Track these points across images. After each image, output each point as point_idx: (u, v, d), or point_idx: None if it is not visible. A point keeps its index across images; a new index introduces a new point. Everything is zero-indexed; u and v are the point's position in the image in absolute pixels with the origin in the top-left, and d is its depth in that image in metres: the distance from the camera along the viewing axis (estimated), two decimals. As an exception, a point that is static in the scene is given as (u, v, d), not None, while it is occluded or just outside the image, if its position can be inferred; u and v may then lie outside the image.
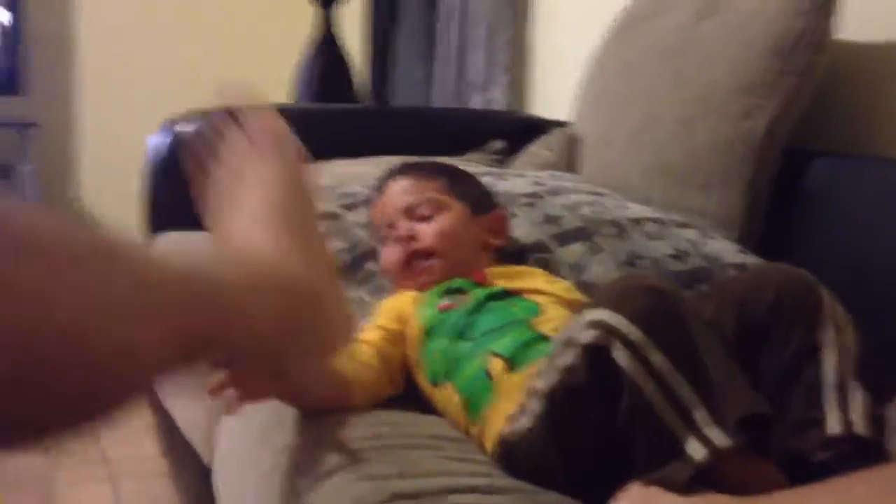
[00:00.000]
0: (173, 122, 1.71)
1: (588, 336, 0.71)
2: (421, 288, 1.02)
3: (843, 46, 1.30)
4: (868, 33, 1.30)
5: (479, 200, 1.12)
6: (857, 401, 0.75)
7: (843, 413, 0.74)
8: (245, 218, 0.65)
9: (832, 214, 1.22)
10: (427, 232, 1.04)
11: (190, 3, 3.12)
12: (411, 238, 1.04)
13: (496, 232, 1.10)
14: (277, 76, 2.73)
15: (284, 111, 2.12)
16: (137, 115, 2.55)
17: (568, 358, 0.73)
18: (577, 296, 1.03)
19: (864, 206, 1.18)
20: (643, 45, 1.48)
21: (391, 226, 1.06)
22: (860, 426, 0.74)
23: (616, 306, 0.71)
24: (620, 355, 0.69)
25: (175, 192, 1.69)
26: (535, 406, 0.76)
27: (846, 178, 1.22)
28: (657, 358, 0.69)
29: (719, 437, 0.67)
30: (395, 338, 0.95)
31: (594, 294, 0.81)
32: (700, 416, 0.68)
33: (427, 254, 1.03)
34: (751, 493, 0.63)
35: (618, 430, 0.70)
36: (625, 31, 1.55)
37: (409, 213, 1.06)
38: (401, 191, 1.08)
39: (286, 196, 0.68)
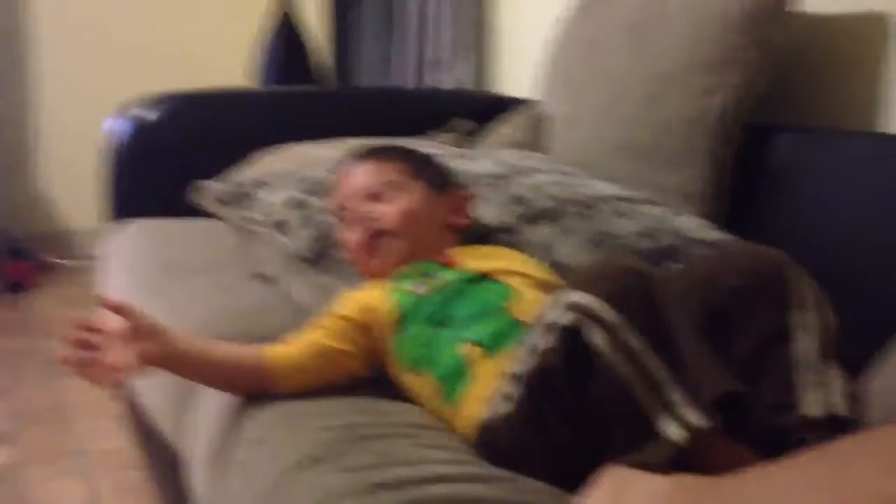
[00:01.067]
0: (129, 106, 1.69)
1: (564, 319, 0.71)
2: (383, 270, 1.01)
3: (804, 19, 1.31)
4: (829, 5, 1.30)
5: (440, 181, 1.11)
6: (836, 381, 0.76)
7: (822, 394, 0.75)
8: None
9: (797, 188, 1.23)
10: (387, 212, 1.03)
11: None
12: (371, 219, 1.03)
13: (458, 211, 1.10)
14: (235, 58, 2.70)
15: (246, 96, 2.10)
16: (94, 101, 2.50)
17: (545, 341, 0.73)
18: (549, 275, 1.03)
19: (828, 179, 1.19)
20: (606, 22, 1.47)
21: (350, 208, 1.06)
22: (840, 406, 0.74)
23: (591, 288, 0.72)
24: (596, 337, 0.70)
25: (135, 179, 1.68)
26: (514, 391, 0.76)
27: (810, 152, 1.24)
28: (632, 339, 0.70)
29: (696, 417, 0.68)
30: (356, 327, 0.94)
31: (570, 276, 0.81)
32: (676, 396, 0.69)
33: (388, 234, 1.03)
34: (724, 473, 0.64)
35: (595, 412, 0.71)
36: (588, 8, 1.55)
37: (370, 195, 1.05)
38: (362, 173, 1.08)
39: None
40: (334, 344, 0.92)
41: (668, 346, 0.70)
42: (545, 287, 0.97)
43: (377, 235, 1.03)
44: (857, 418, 0.75)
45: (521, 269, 0.99)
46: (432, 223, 1.06)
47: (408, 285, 0.96)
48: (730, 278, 0.79)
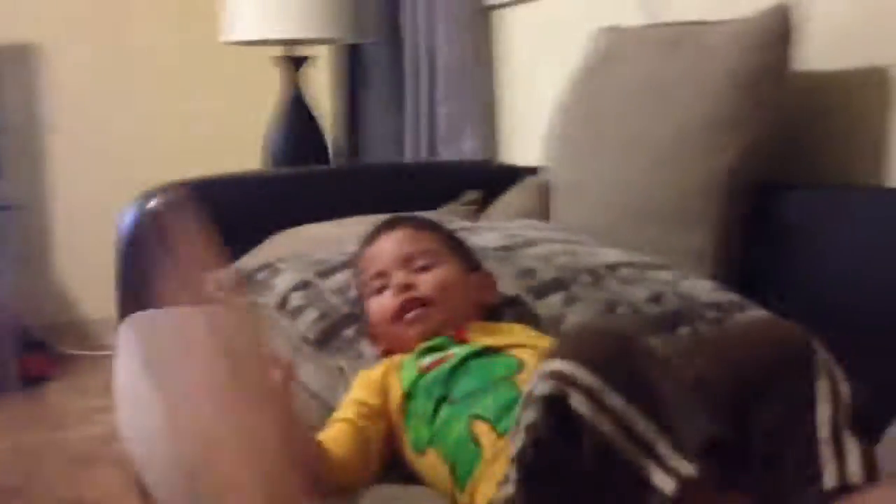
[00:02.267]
0: (143, 197, 1.70)
1: (545, 388, 0.70)
2: (410, 339, 1.00)
3: (808, 77, 1.31)
4: (831, 62, 1.30)
5: (470, 258, 1.11)
6: (853, 451, 0.74)
7: (839, 465, 0.74)
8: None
9: (808, 246, 1.21)
10: (427, 281, 1.03)
11: (156, 79, 3.13)
12: (408, 287, 1.02)
13: (486, 290, 1.09)
14: (248, 142, 2.74)
15: (256, 179, 2.12)
16: (109, 190, 2.54)
17: (530, 415, 0.71)
18: None
19: (838, 235, 1.18)
20: (609, 88, 1.48)
21: (384, 275, 1.05)
22: (856, 476, 0.73)
23: (570, 355, 0.71)
24: (577, 402, 0.69)
25: (149, 269, 1.69)
26: (512, 472, 0.74)
27: (820, 209, 1.22)
28: (613, 399, 0.69)
29: (684, 466, 0.68)
30: (375, 413, 0.93)
31: (550, 345, 0.80)
32: (662, 448, 0.68)
33: (424, 303, 1.02)
34: None
35: (590, 479, 0.69)
36: (590, 76, 1.55)
37: (407, 262, 1.04)
38: (397, 241, 1.07)
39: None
40: (363, 427, 0.91)
41: (649, 401, 0.70)
42: None
43: (412, 304, 1.02)
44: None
45: (532, 343, 0.97)
46: (464, 298, 1.05)
47: (417, 362, 0.95)
48: (760, 350, 0.79)
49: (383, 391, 0.94)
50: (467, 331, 1.00)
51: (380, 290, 1.05)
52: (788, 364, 0.78)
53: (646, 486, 0.68)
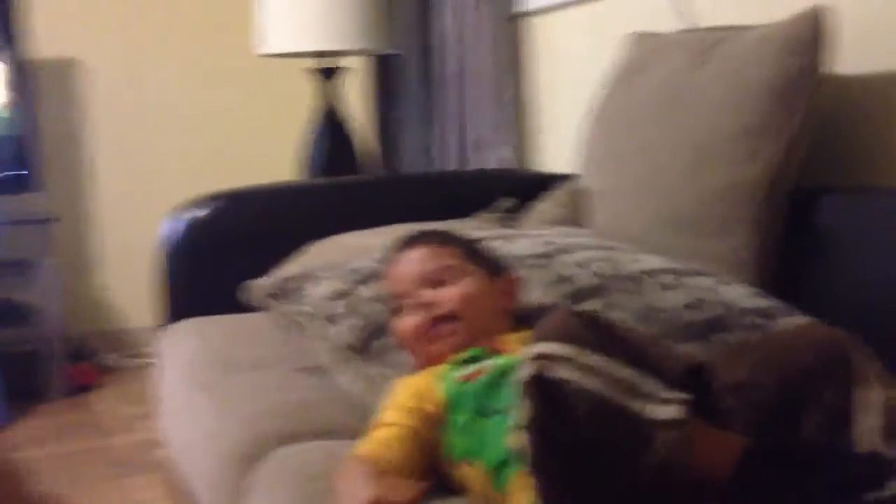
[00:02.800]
0: (184, 207, 1.73)
1: (530, 369, 0.73)
2: (442, 354, 1.01)
3: (842, 81, 1.30)
4: (864, 66, 1.30)
5: (492, 264, 1.12)
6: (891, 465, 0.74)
7: (877, 482, 0.73)
8: None
9: (846, 250, 1.20)
10: (450, 296, 1.03)
11: (192, 92, 3.17)
12: (433, 304, 1.03)
13: (509, 295, 1.10)
14: (283, 153, 2.77)
15: (292, 189, 2.14)
16: (151, 202, 2.59)
17: (524, 410, 0.73)
18: None
19: (876, 238, 1.17)
20: (641, 95, 1.48)
21: (408, 294, 1.06)
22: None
23: (545, 337, 0.76)
24: (563, 372, 0.72)
25: (189, 278, 1.72)
26: (534, 481, 0.75)
27: (856, 212, 1.21)
28: (593, 359, 0.73)
29: (675, 395, 0.72)
30: (424, 417, 0.93)
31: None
32: (650, 386, 0.73)
33: (450, 318, 1.02)
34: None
35: (595, 444, 0.72)
36: (622, 83, 1.56)
37: (429, 280, 1.05)
38: (418, 259, 1.07)
39: None
40: (416, 431, 0.91)
41: (627, 353, 0.75)
42: None
43: (439, 320, 1.03)
44: None
45: None
46: (489, 307, 1.06)
47: (455, 373, 0.95)
48: (804, 355, 0.79)
49: (422, 398, 0.95)
50: (501, 341, 1.00)
51: (404, 310, 1.06)
52: (834, 369, 0.77)
53: (648, 427, 0.71)
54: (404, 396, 0.95)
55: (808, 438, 0.77)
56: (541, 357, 0.74)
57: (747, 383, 0.82)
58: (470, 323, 1.02)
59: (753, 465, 0.74)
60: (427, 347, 1.03)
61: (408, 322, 1.05)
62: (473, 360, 0.97)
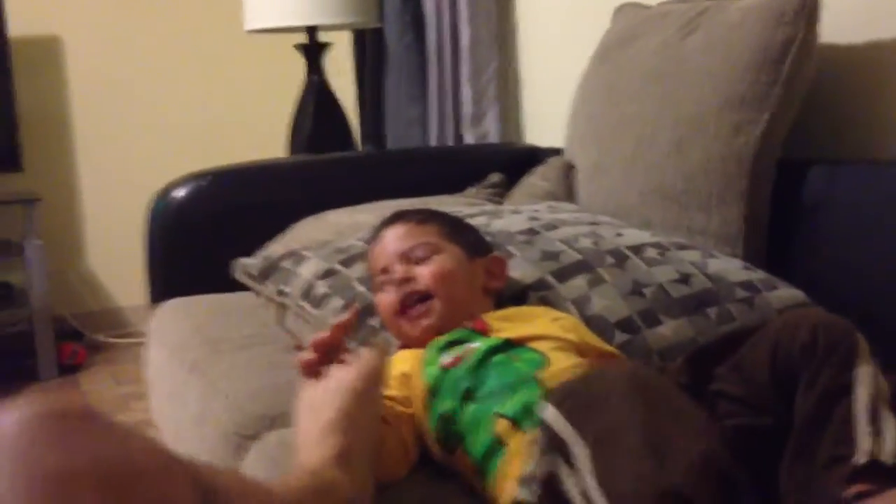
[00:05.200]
0: (169, 186, 1.72)
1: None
2: (418, 334, 1.00)
3: (827, 50, 1.29)
4: (851, 35, 1.29)
5: (475, 244, 1.11)
6: (890, 430, 0.74)
7: (874, 443, 0.73)
8: (318, 423, 0.81)
9: (832, 221, 1.20)
10: (424, 273, 1.03)
11: (178, 69, 3.14)
12: (407, 280, 1.03)
13: (495, 274, 1.09)
14: (273, 130, 2.75)
15: (280, 167, 2.12)
16: (138, 181, 2.57)
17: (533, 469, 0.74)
18: (584, 333, 1.01)
19: (862, 209, 1.17)
20: (628, 68, 1.47)
21: (386, 271, 1.06)
22: (890, 455, 0.72)
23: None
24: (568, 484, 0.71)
25: (176, 257, 1.71)
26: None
27: (843, 184, 1.21)
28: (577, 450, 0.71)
29: None
30: (404, 403, 0.93)
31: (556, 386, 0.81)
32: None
33: (424, 296, 1.02)
34: None
35: None
36: (608, 56, 1.54)
37: (405, 257, 1.05)
38: (396, 237, 1.08)
39: (357, 404, 0.81)
40: (395, 423, 0.90)
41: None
42: (580, 349, 0.95)
43: (412, 297, 1.02)
44: None
45: (555, 332, 0.97)
46: (469, 286, 1.05)
47: (438, 356, 0.95)
48: (801, 333, 0.79)
49: (406, 384, 0.94)
50: (486, 320, 1.00)
51: (384, 286, 1.06)
52: (829, 351, 0.77)
53: None
54: (390, 383, 0.95)
55: (804, 416, 0.77)
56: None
57: (743, 361, 0.82)
58: (445, 301, 1.02)
59: None
60: (402, 326, 1.03)
61: (384, 299, 1.05)
62: (458, 341, 0.96)
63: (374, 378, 0.84)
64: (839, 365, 0.77)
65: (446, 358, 0.94)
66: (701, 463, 0.68)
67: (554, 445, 0.72)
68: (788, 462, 0.77)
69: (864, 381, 0.76)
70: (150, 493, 0.54)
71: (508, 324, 0.98)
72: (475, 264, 1.08)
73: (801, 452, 0.76)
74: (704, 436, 0.72)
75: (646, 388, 0.75)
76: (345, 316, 0.89)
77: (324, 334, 0.87)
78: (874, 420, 0.74)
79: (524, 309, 1.07)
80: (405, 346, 1.04)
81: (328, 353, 0.86)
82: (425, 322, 1.01)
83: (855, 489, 0.71)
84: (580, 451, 0.71)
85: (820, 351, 0.77)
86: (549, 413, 0.74)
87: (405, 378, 0.94)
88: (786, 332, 0.80)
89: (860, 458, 0.73)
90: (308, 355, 0.87)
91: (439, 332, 0.99)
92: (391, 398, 0.92)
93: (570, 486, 0.70)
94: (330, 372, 0.84)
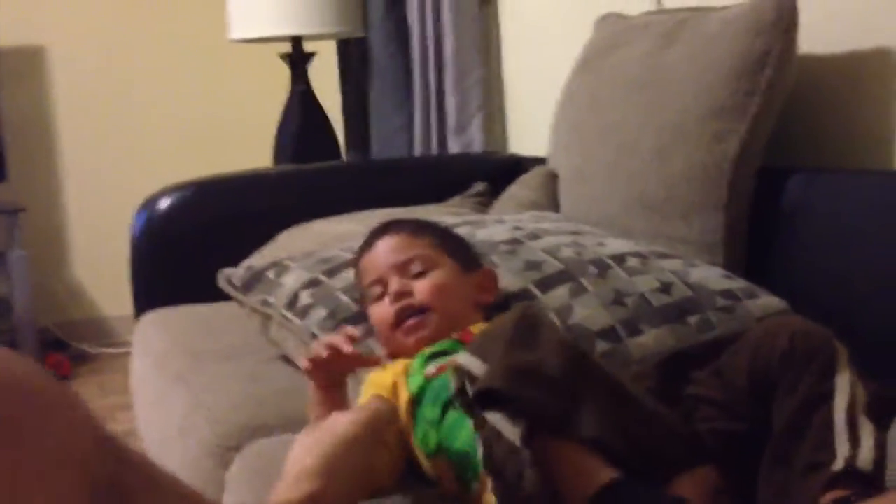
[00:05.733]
0: (153, 197, 1.72)
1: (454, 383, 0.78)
2: (415, 345, 1.00)
3: (805, 61, 1.30)
4: (830, 45, 1.30)
5: (468, 257, 1.12)
6: (867, 439, 0.75)
7: (852, 449, 0.74)
8: (296, 466, 0.80)
9: (811, 229, 1.21)
10: (421, 287, 1.03)
11: (164, 78, 3.14)
12: (404, 294, 1.03)
13: (486, 288, 1.09)
14: (258, 139, 2.75)
15: (264, 177, 2.12)
16: (121, 190, 2.57)
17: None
18: None
19: (841, 218, 1.18)
20: (610, 77, 1.48)
21: (381, 282, 1.05)
22: (867, 462, 0.73)
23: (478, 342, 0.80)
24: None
25: (160, 268, 1.71)
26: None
27: (822, 192, 1.22)
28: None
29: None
30: (393, 412, 0.93)
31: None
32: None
33: (421, 309, 1.02)
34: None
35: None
36: (590, 65, 1.55)
37: (401, 269, 1.05)
38: (390, 248, 1.07)
39: (345, 451, 0.82)
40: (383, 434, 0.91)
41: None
42: None
43: (410, 310, 1.02)
44: (880, 475, 0.73)
45: None
46: (462, 300, 1.05)
47: (420, 367, 0.95)
48: (780, 341, 0.79)
49: (394, 395, 0.95)
50: (472, 333, 1.00)
51: (379, 298, 1.05)
52: (808, 359, 0.78)
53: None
54: (375, 392, 0.95)
55: (784, 422, 0.78)
56: (458, 369, 0.77)
57: (723, 367, 0.83)
58: (441, 315, 1.02)
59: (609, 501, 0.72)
60: (398, 338, 1.03)
61: (379, 312, 1.05)
62: (443, 353, 0.97)
63: (375, 427, 0.85)
64: (818, 373, 0.78)
65: (430, 368, 0.94)
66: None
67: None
68: (767, 468, 0.78)
69: (843, 388, 0.77)
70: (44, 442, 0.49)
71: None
72: (468, 278, 1.08)
73: (779, 458, 0.77)
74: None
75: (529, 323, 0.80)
76: (351, 331, 0.94)
77: (335, 339, 0.93)
78: (852, 427, 0.75)
79: None
80: (393, 355, 1.04)
81: (335, 360, 0.91)
82: (421, 334, 1.01)
83: (832, 495, 0.72)
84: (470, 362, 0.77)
85: (799, 358, 0.78)
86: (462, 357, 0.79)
87: (391, 388, 0.95)
88: (765, 339, 0.81)
89: (838, 464, 0.73)
90: (321, 350, 0.91)
91: (431, 343, 1.00)
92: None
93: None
94: (331, 415, 0.86)
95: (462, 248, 1.13)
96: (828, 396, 0.77)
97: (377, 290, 1.06)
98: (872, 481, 0.73)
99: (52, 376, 0.54)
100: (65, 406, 0.52)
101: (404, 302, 1.02)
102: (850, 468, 0.73)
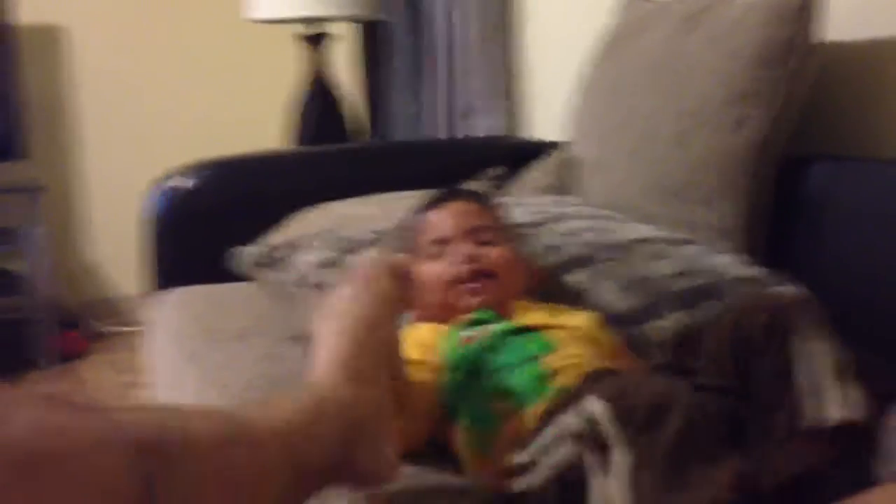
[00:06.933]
0: (170, 176, 1.72)
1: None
2: (474, 305, 1.00)
3: (831, 48, 1.29)
4: (855, 32, 1.28)
5: (521, 245, 1.13)
6: (852, 394, 0.75)
7: (835, 407, 0.74)
8: (329, 353, 0.77)
9: (834, 218, 1.20)
10: (493, 255, 1.04)
11: (180, 58, 3.14)
12: (475, 258, 1.02)
13: (534, 278, 1.10)
14: (271, 120, 2.75)
15: (280, 158, 2.13)
16: (138, 170, 2.57)
17: (559, 456, 0.72)
18: (602, 331, 1.02)
19: (864, 207, 1.17)
20: (631, 62, 1.47)
21: (444, 241, 1.05)
22: (850, 413, 0.74)
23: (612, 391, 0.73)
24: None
25: (176, 247, 1.71)
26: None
27: (845, 181, 1.21)
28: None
29: None
30: (426, 369, 0.93)
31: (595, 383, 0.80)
32: None
33: (487, 275, 1.02)
34: None
35: None
36: (611, 50, 1.54)
37: (473, 234, 1.05)
38: (462, 211, 1.07)
39: (368, 332, 0.78)
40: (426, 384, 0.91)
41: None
42: (596, 343, 0.96)
43: (478, 274, 1.02)
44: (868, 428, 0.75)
45: (573, 323, 0.98)
46: (520, 279, 1.06)
47: (455, 333, 0.95)
48: (760, 316, 0.80)
49: (427, 350, 0.95)
50: (512, 308, 1.00)
51: (437, 256, 1.05)
52: (788, 323, 0.78)
53: None
54: (411, 349, 0.94)
55: (765, 381, 0.78)
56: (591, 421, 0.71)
57: (706, 344, 0.83)
58: (503, 286, 1.02)
59: None
60: (449, 297, 1.02)
61: (435, 269, 1.04)
62: (479, 322, 0.97)
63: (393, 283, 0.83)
64: (798, 337, 0.78)
65: (464, 335, 0.94)
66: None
67: (592, 439, 0.70)
68: (750, 437, 0.78)
69: (824, 350, 0.77)
70: (73, 475, 0.50)
71: (528, 313, 0.99)
72: (524, 263, 1.09)
73: (760, 426, 0.77)
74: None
75: (692, 415, 0.71)
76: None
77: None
78: (836, 386, 0.75)
79: (543, 305, 1.07)
80: (424, 318, 1.03)
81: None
82: (479, 298, 1.01)
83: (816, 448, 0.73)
84: (622, 459, 0.67)
85: (779, 329, 0.78)
86: (598, 407, 0.71)
87: (425, 345, 0.95)
88: (745, 313, 0.81)
89: (820, 419, 0.74)
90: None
91: (485, 307, 1.00)
92: (420, 362, 0.93)
93: (595, 486, 0.68)
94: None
95: (518, 235, 1.14)
96: (808, 360, 0.77)
97: (438, 248, 1.05)
98: (864, 438, 0.74)
99: (96, 423, 0.54)
100: (89, 441, 0.52)
101: (474, 265, 1.02)
102: (835, 427, 0.74)
